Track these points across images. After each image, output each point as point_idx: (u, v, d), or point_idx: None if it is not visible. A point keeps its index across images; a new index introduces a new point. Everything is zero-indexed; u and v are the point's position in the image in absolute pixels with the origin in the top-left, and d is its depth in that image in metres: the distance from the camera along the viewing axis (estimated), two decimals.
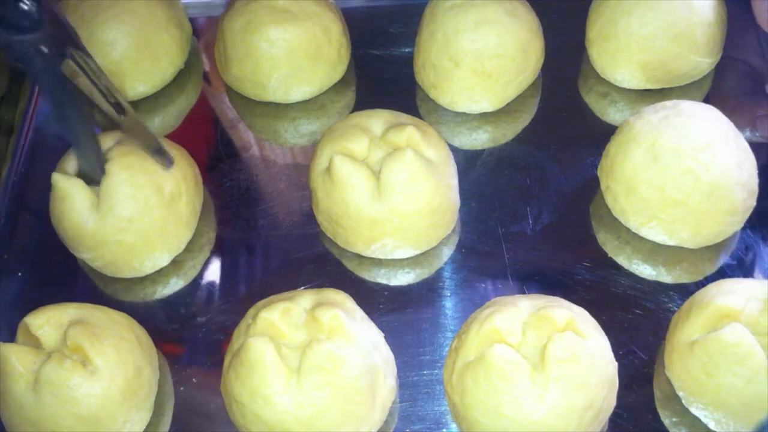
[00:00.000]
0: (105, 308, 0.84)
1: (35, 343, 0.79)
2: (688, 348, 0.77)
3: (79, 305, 0.83)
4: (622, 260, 0.90)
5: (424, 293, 0.90)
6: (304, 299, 0.80)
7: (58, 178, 0.87)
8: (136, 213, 0.87)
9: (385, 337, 0.83)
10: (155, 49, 1.04)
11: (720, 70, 1.04)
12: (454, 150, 0.95)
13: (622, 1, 0.98)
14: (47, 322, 0.79)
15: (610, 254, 0.91)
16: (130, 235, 0.88)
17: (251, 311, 0.81)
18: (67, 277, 0.94)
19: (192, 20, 1.13)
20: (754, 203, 0.88)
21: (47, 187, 0.89)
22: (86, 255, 0.90)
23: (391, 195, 0.86)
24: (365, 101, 1.05)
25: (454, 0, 0.98)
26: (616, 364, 0.78)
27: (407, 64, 1.05)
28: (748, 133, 0.94)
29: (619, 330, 0.85)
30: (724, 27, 1.00)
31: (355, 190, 0.86)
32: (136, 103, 1.06)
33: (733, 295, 0.77)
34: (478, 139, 1.01)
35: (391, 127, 0.89)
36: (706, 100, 0.99)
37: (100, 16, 1.01)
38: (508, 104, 1.01)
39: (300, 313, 0.79)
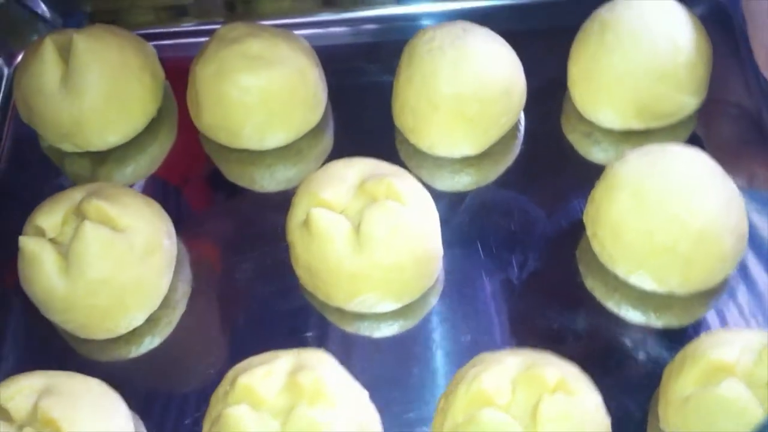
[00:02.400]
0: (78, 375, 0.81)
1: (5, 416, 0.76)
2: (684, 402, 0.75)
3: (51, 373, 0.80)
4: (611, 306, 0.88)
5: (409, 346, 0.88)
6: (283, 361, 0.77)
7: (25, 242, 0.84)
8: (108, 273, 0.84)
9: (370, 394, 0.80)
10: (127, 98, 0.99)
11: (708, 114, 1.01)
12: (436, 194, 0.92)
13: (605, 39, 0.94)
14: (19, 392, 0.77)
15: (599, 300, 0.89)
16: (103, 297, 0.85)
17: (230, 375, 0.79)
18: (39, 339, 0.91)
19: (166, 61, 1.09)
20: (744, 247, 0.86)
21: (15, 250, 0.86)
22: (57, 318, 0.87)
23: (372, 247, 0.83)
24: (343, 146, 1.02)
25: (432, 43, 0.95)
26: (609, 418, 0.76)
27: (386, 107, 1.02)
28: (744, 184, 0.92)
29: (611, 381, 0.82)
30: (710, 65, 0.97)
31: (334, 244, 0.83)
32: (105, 153, 1.02)
33: (727, 347, 0.75)
34: (460, 182, 0.98)
35: (369, 177, 0.86)
36: (700, 147, 0.95)
37: (70, 64, 0.97)
38: (490, 146, 0.99)
39: (280, 377, 0.76)
